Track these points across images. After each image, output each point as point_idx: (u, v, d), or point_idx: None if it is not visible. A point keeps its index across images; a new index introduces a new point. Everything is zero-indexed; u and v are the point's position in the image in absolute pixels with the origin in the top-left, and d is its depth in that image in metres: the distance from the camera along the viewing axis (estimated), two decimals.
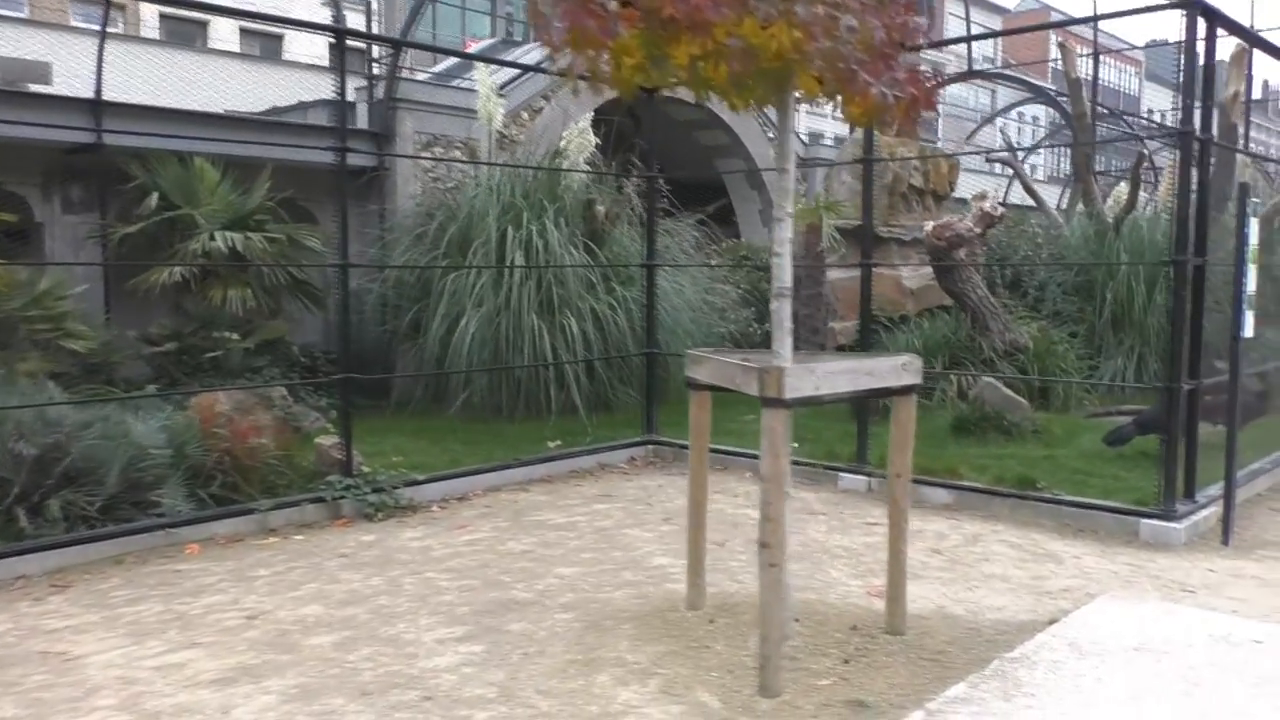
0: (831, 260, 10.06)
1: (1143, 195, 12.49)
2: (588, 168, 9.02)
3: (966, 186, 19.35)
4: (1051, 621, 3.92)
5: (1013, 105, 19.25)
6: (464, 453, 6.91)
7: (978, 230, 7.97)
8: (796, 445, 7.15)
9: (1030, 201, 12.91)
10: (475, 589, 4.34)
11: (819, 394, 3.30)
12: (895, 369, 3.58)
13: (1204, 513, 5.19)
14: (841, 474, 6.29)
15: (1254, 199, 4.93)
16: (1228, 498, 4.97)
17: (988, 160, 14.42)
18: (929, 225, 7.99)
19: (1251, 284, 4.96)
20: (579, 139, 8.94)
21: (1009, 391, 7.11)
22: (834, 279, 9.82)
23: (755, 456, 6.86)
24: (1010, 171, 13.95)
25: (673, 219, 10.69)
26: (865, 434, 6.30)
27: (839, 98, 3.84)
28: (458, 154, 10.07)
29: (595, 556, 4.86)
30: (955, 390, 7.84)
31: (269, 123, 9.55)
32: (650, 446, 7.36)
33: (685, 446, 7.26)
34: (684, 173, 10.20)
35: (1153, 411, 6.14)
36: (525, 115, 11.12)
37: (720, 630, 3.81)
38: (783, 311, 3.66)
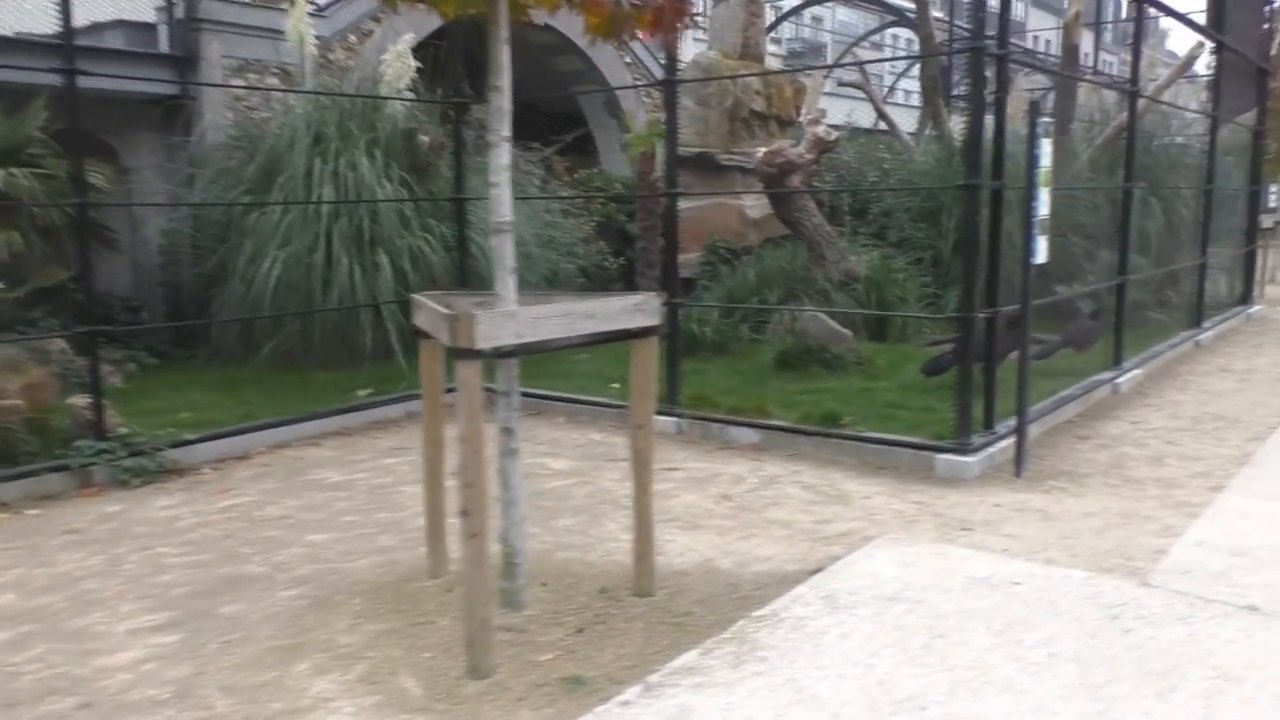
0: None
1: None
2: (408, 94, 8.41)
3: (837, 112, 19.16)
4: (816, 571, 3.72)
5: (878, 29, 19.00)
6: (263, 405, 6.41)
7: (809, 156, 7.70)
8: (617, 386, 6.88)
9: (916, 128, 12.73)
10: (206, 565, 3.93)
11: (524, 342, 2.96)
12: (626, 310, 3.26)
13: (1001, 444, 5.08)
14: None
15: (1045, 118, 4.72)
16: (1020, 429, 4.85)
17: (841, 84, 14.20)
18: (760, 152, 7.69)
19: (1044, 208, 4.78)
20: (398, 64, 8.32)
21: (833, 323, 6.92)
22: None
23: (574, 401, 6.59)
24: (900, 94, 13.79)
25: (518, 149, 10.19)
26: (677, 372, 6.02)
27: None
28: (274, 81, 9.31)
29: (358, 520, 4.49)
30: (788, 323, 7.63)
31: (48, 45, 8.62)
32: None
33: (500, 391, 6.95)
34: (515, 98, 9.62)
35: (991, 336, 6.00)
36: (354, 39, 10.36)
37: (455, 601, 3.49)
38: (504, 248, 3.31)
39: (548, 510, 4.59)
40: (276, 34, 8.93)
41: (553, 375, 7.22)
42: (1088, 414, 6.29)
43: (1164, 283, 9.80)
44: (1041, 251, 4.79)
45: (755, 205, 9.13)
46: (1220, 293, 11.01)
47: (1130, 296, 9.39)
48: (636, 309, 3.27)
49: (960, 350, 4.98)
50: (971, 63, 4.69)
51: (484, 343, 2.82)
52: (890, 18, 16.98)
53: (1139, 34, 6.82)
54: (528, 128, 12.33)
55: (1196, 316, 9.15)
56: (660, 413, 5.97)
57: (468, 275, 7.31)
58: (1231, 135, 11.36)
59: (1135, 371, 7.13)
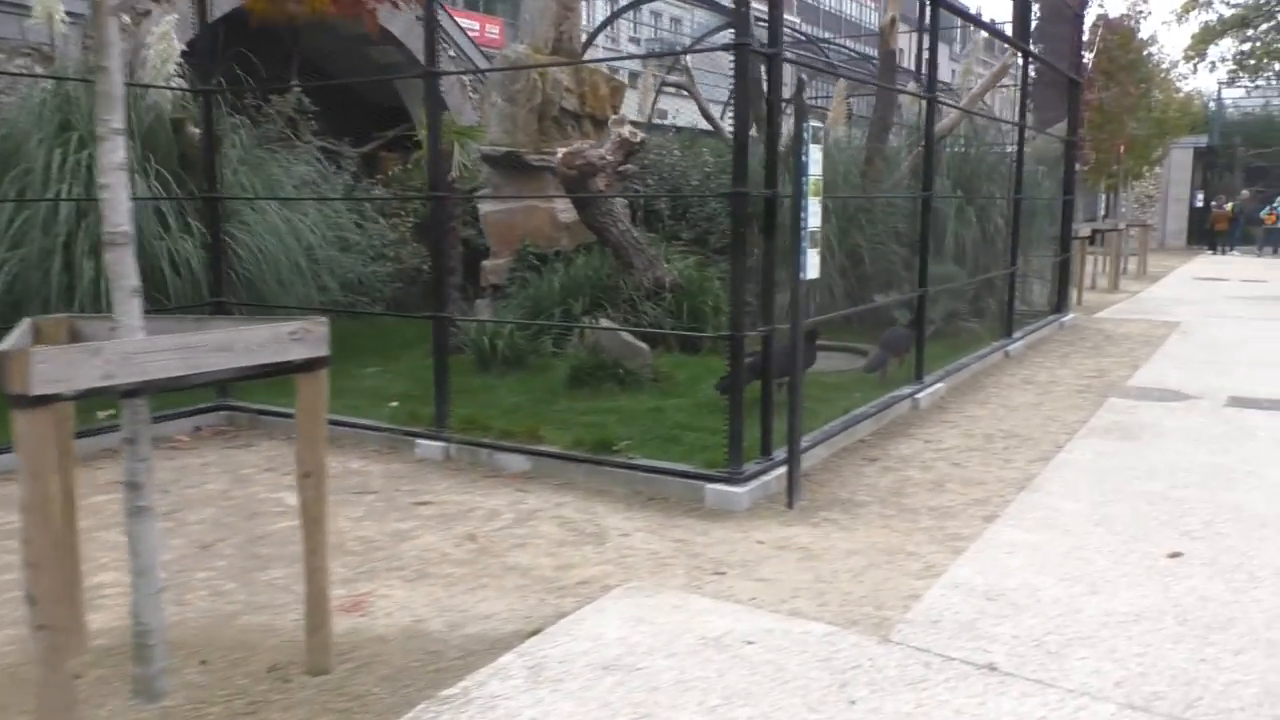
0: (483, 191, 9.20)
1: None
2: (175, 80, 7.60)
3: (684, 113, 18.93)
4: (535, 632, 3.26)
5: (713, 31, 18.92)
6: None
7: (611, 158, 7.28)
8: (395, 404, 6.30)
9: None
10: None
11: (113, 384, 2.38)
12: (277, 341, 2.71)
13: (778, 472, 4.74)
14: (419, 440, 5.47)
15: (815, 124, 4.41)
16: (792, 457, 4.52)
17: (664, 85, 13.96)
18: (560, 153, 7.23)
19: (814, 219, 4.47)
20: (161, 46, 7.50)
21: (629, 337, 6.51)
22: (485, 212, 8.96)
23: (338, 423, 5.96)
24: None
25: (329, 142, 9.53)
26: (445, 391, 5.49)
27: None
28: (23, 62, 8.33)
29: (18, 578, 3.78)
30: (587, 338, 7.19)
31: None
32: (224, 413, 6.26)
33: (266, 412, 6.28)
34: (267, 85, 8.94)
35: (766, 354, 5.68)
36: (127, 19, 9.40)
37: (80, 689, 2.87)
38: (123, 264, 2.73)
39: (260, 560, 4.00)
40: (24, 9, 7.96)
41: (334, 394, 6.58)
42: (883, 432, 6.07)
43: (980, 291, 9.84)
44: (812, 266, 4.48)
45: (568, 209, 8.66)
46: (1037, 301, 11.20)
47: (946, 306, 9.41)
48: (291, 339, 2.73)
49: (733, 371, 4.61)
50: (736, 60, 4.34)
51: (46, 386, 2.23)
52: (724, 19, 16.88)
53: (935, 39, 6.66)
54: (348, 120, 11.58)
55: (1006, 326, 9.18)
56: (427, 436, 5.46)
57: (230, 283, 6.59)
58: (1047, 145, 11.58)
59: (938, 385, 6.99)
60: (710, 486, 4.56)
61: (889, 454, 5.57)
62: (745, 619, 3.35)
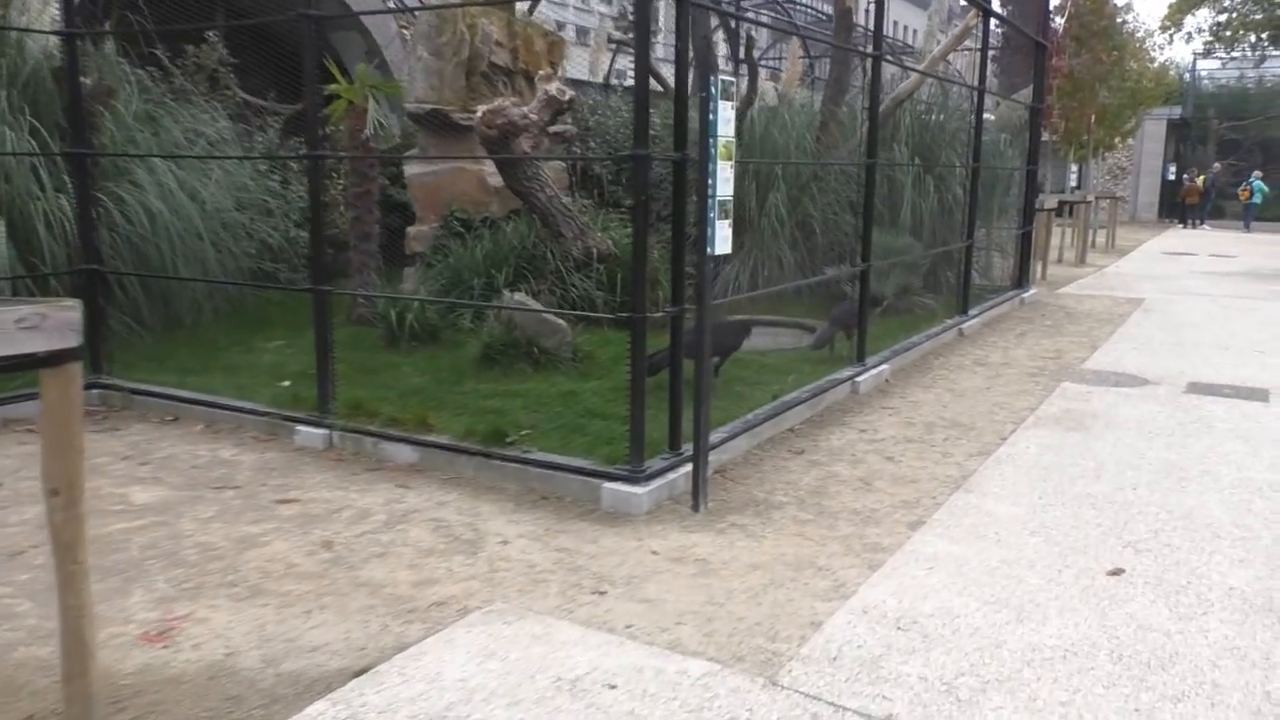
0: (411, 152, 8.61)
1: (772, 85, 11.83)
2: (56, 23, 6.94)
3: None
4: (364, 670, 2.77)
5: None
6: None
7: (535, 117, 6.71)
8: (288, 384, 5.75)
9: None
10: None
11: None
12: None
13: (686, 468, 4.26)
14: (299, 426, 4.94)
15: (725, 78, 3.87)
16: (697, 455, 4.03)
17: (610, 41, 13.33)
18: (479, 110, 6.65)
19: (723, 187, 3.95)
20: None
21: (548, 314, 5.98)
22: (411, 174, 8.37)
23: (217, 405, 5.42)
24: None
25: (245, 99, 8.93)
26: (328, 371, 4.96)
27: None
28: None
29: None
30: (504, 314, 6.65)
31: None
32: (98, 391, 5.69)
33: (142, 392, 5.72)
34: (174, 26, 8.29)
35: (691, 335, 5.18)
36: None
37: None
38: None
39: None
40: None
41: (221, 369, 6.07)
42: (817, 419, 5.59)
43: (938, 265, 9.38)
44: (722, 240, 3.97)
45: (498, 171, 8.09)
46: (998, 276, 10.76)
47: (899, 281, 8.94)
48: (21, 328, 2.18)
49: (635, 356, 4.11)
50: (637, 3, 3.79)
51: None
52: None
53: None
54: (281, 76, 10.85)
55: (962, 303, 8.72)
56: (308, 423, 4.93)
57: (114, 249, 6.00)
58: (1012, 112, 11.08)
59: (882, 367, 6.51)
60: (607, 486, 4.07)
61: (818, 445, 5.10)
62: (614, 653, 2.87)
